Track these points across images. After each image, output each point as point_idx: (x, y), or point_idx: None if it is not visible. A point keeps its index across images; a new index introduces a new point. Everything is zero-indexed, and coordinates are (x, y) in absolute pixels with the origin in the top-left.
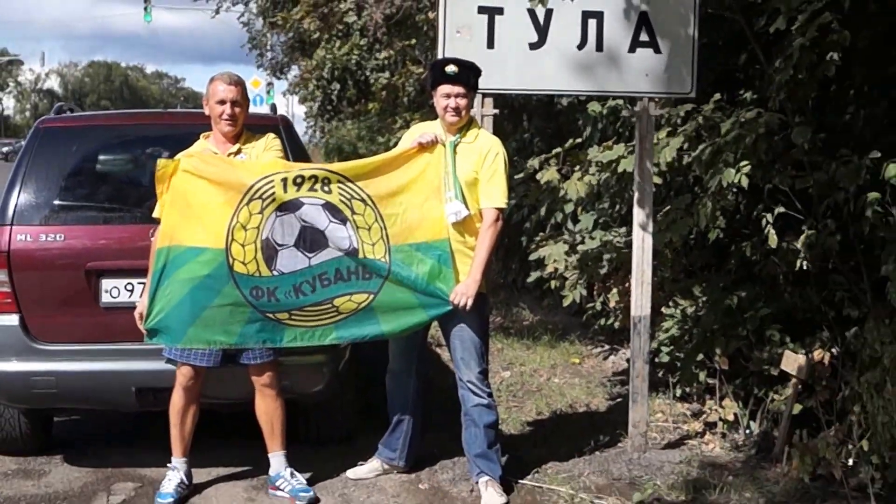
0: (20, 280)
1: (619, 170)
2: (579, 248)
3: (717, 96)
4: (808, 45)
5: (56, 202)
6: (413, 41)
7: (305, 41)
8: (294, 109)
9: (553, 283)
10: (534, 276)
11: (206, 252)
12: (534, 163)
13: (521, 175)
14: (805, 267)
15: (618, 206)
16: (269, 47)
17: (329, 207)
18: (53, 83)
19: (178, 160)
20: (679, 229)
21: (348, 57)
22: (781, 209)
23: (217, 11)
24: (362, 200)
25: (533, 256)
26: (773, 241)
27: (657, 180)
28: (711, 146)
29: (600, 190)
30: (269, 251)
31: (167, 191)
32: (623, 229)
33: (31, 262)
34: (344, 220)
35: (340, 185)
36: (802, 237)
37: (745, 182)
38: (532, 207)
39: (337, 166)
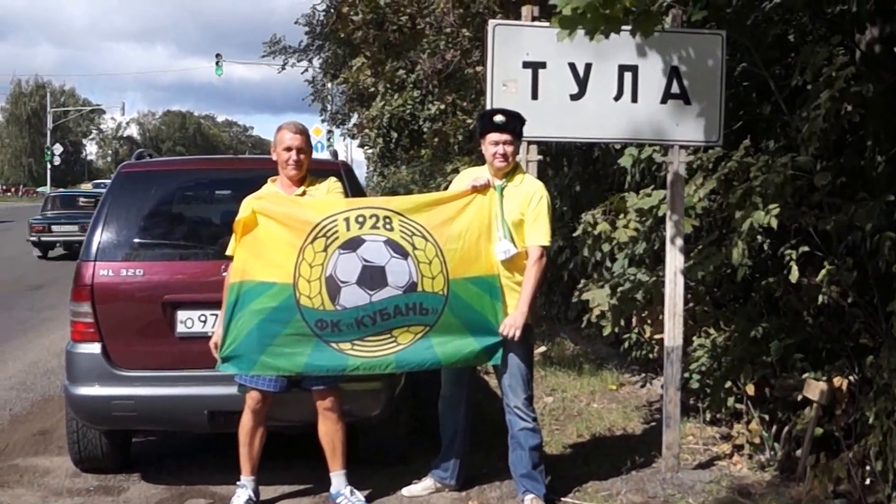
0: (102, 311)
1: (659, 214)
2: (619, 290)
3: (747, 142)
4: (837, 96)
5: (136, 240)
6: (462, 93)
7: (364, 94)
8: (353, 154)
9: (594, 315)
10: (585, 319)
11: (275, 286)
12: (588, 217)
13: (580, 231)
14: (825, 301)
15: (654, 245)
16: (330, 99)
17: (391, 244)
18: (133, 131)
19: (254, 210)
20: (712, 263)
21: (403, 108)
22: (805, 248)
23: (283, 67)
24: (423, 237)
25: (577, 298)
26: (794, 276)
27: (695, 223)
28: (742, 189)
29: (638, 236)
30: (333, 287)
31: (241, 232)
32: (655, 266)
33: (112, 294)
34: (405, 255)
35: (402, 222)
36: (822, 273)
37: (774, 223)
38: (573, 248)
39: (396, 204)
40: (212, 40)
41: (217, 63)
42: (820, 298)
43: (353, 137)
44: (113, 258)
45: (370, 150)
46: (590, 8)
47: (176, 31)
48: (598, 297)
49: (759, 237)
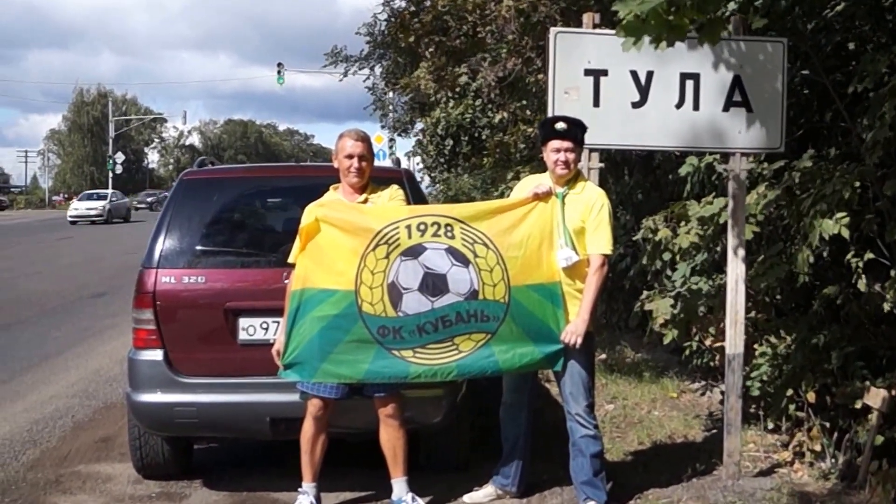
0: (164, 318)
1: (720, 222)
2: (681, 299)
3: (812, 151)
4: None
5: (198, 247)
6: (524, 102)
7: (424, 102)
8: (415, 163)
9: (657, 325)
10: (647, 332)
11: (337, 294)
12: (649, 223)
13: (640, 235)
14: (890, 309)
15: (715, 255)
16: (391, 108)
17: (452, 252)
18: (194, 139)
19: (317, 217)
20: (776, 273)
21: (463, 116)
22: (871, 255)
23: (345, 74)
24: (484, 244)
25: (639, 309)
26: (862, 285)
27: (756, 230)
28: (809, 198)
29: (700, 243)
30: (395, 294)
31: (304, 240)
32: (716, 275)
33: (174, 301)
34: (466, 263)
35: (463, 230)
36: (890, 280)
37: (845, 233)
38: (634, 256)
39: (458, 211)
40: (274, 49)
41: (279, 72)
42: (886, 307)
43: (416, 154)
44: (175, 265)
45: (424, 158)
46: (653, 14)
47: (238, 40)
48: (662, 308)
49: (821, 245)
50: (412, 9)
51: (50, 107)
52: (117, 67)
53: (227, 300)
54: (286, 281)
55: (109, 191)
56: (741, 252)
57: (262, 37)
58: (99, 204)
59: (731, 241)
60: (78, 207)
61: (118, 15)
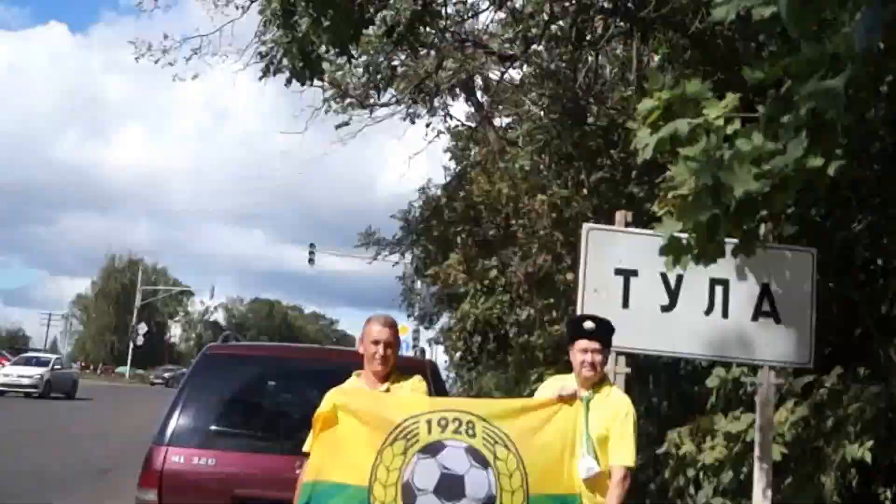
0: (168, 501)
1: (747, 439)
2: None
3: (840, 369)
4: None
5: (212, 427)
6: (551, 300)
7: (453, 294)
8: (438, 357)
9: None
10: None
11: (350, 489)
12: (673, 436)
13: (664, 448)
14: None
15: (741, 475)
16: (420, 298)
17: (472, 451)
18: (219, 316)
19: (335, 405)
20: (805, 498)
21: (491, 311)
22: None
23: (375, 258)
24: (505, 446)
25: None
26: None
27: (783, 450)
28: (833, 417)
29: (725, 460)
30: (409, 495)
31: (319, 427)
32: (743, 500)
33: (181, 483)
34: (486, 465)
35: (485, 428)
36: None
37: (868, 457)
38: (656, 469)
39: (481, 409)
40: (309, 231)
41: (311, 253)
42: None
43: (438, 343)
44: (187, 444)
45: (451, 354)
46: (698, 229)
47: (275, 218)
48: None
49: (851, 471)
50: (446, 197)
51: (80, 270)
52: (152, 235)
53: (235, 487)
54: (298, 471)
55: (53, 356)
56: (768, 474)
57: (300, 217)
58: (36, 371)
59: (758, 462)
60: (9, 374)
61: (160, 182)
